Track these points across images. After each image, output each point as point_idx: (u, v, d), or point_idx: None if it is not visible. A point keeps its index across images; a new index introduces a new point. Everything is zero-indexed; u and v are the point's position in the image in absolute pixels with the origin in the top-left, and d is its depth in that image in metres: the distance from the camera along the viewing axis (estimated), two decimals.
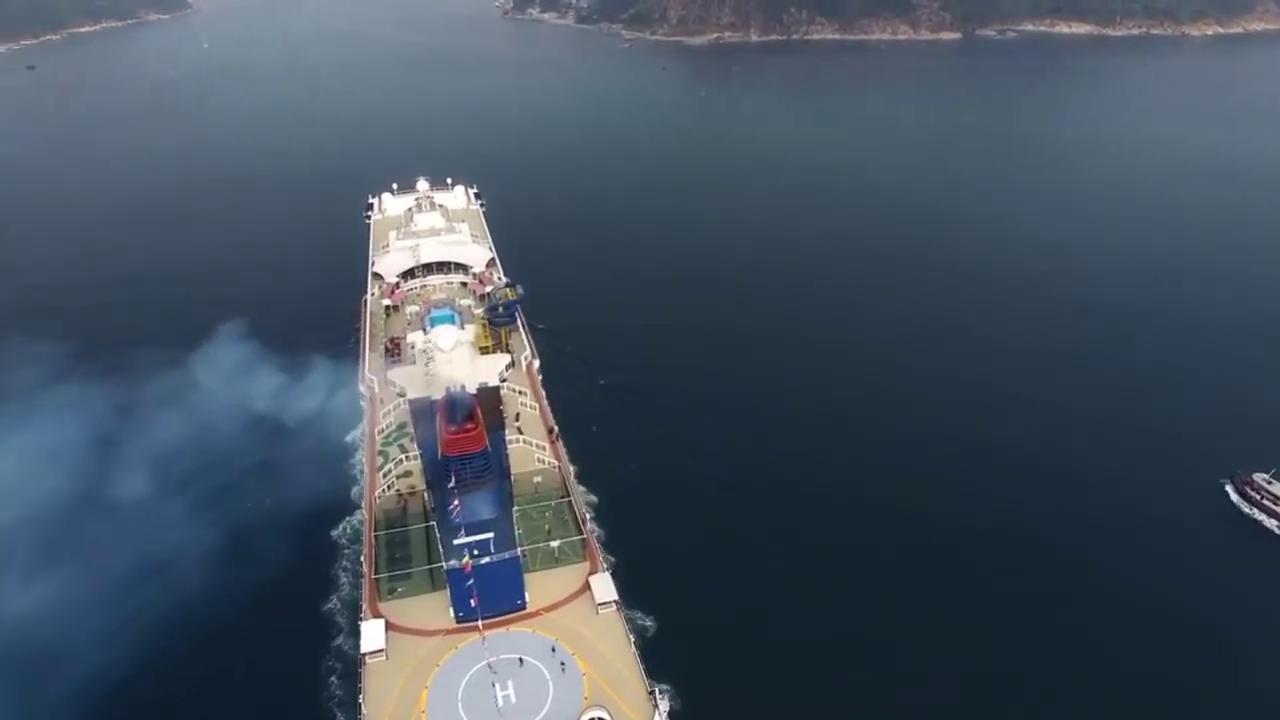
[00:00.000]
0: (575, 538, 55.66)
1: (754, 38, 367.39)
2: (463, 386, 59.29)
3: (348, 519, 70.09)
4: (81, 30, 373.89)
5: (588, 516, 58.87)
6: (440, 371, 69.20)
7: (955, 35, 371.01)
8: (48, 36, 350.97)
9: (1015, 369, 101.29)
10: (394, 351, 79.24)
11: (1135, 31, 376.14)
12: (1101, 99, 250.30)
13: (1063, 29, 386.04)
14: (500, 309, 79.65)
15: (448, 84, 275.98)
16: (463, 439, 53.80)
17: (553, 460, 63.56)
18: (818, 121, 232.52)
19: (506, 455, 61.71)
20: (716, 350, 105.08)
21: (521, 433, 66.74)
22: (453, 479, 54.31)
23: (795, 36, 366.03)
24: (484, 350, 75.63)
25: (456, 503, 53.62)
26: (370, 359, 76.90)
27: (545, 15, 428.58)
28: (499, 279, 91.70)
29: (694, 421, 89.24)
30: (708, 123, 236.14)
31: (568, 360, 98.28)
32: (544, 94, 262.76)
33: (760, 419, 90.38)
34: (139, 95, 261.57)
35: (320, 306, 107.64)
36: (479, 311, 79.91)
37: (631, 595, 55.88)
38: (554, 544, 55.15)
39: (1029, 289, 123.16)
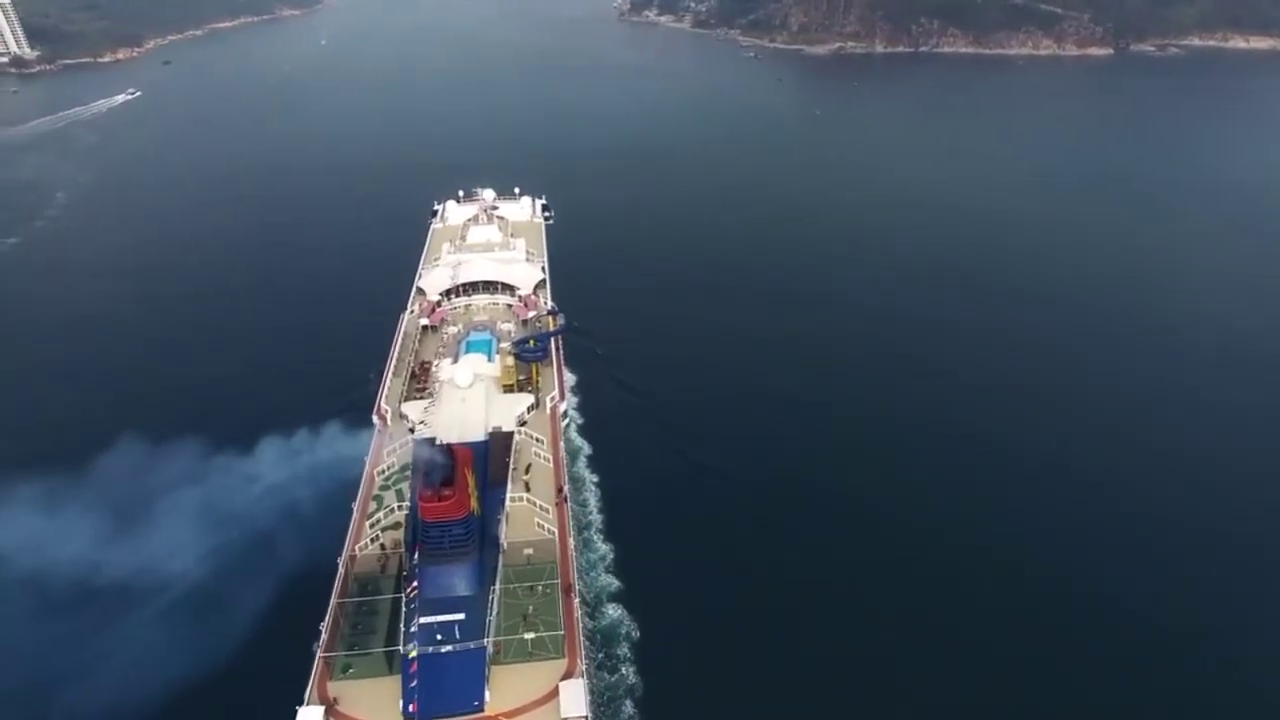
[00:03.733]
0: (556, 633, 48.03)
1: (879, 49, 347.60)
2: (444, 444, 52.81)
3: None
4: (221, 26, 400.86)
5: (578, 602, 51.05)
6: (451, 411, 63.51)
7: (1106, 51, 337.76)
8: (191, 32, 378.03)
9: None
10: (421, 378, 74.19)
11: None
12: None
13: (1238, 43, 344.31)
14: (531, 342, 73.24)
15: (550, 88, 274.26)
16: (439, 506, 47.47)
17: (553, 528, 56.14)
18: (943, 151, 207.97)
19: (502, 520, 55.09)
20: (790, 428, 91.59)
21: (529, 489, 59.71)
22: (415, 555, 48.03)
23: (924, 49, 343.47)
24: (508, 388, 69.17)
25: (415, 583, 47.36)
26: (391, 385, 71.87)
27: (662, 18, 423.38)
28: (544, 303, 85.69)
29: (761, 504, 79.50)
30: (819, 148, 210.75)
31: (619, 392, 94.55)
32: (645, 104, 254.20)
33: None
34: (247, 93, 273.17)
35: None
36: (505, 345, 73.63)
37: None
38: (528, 636, 47.72)
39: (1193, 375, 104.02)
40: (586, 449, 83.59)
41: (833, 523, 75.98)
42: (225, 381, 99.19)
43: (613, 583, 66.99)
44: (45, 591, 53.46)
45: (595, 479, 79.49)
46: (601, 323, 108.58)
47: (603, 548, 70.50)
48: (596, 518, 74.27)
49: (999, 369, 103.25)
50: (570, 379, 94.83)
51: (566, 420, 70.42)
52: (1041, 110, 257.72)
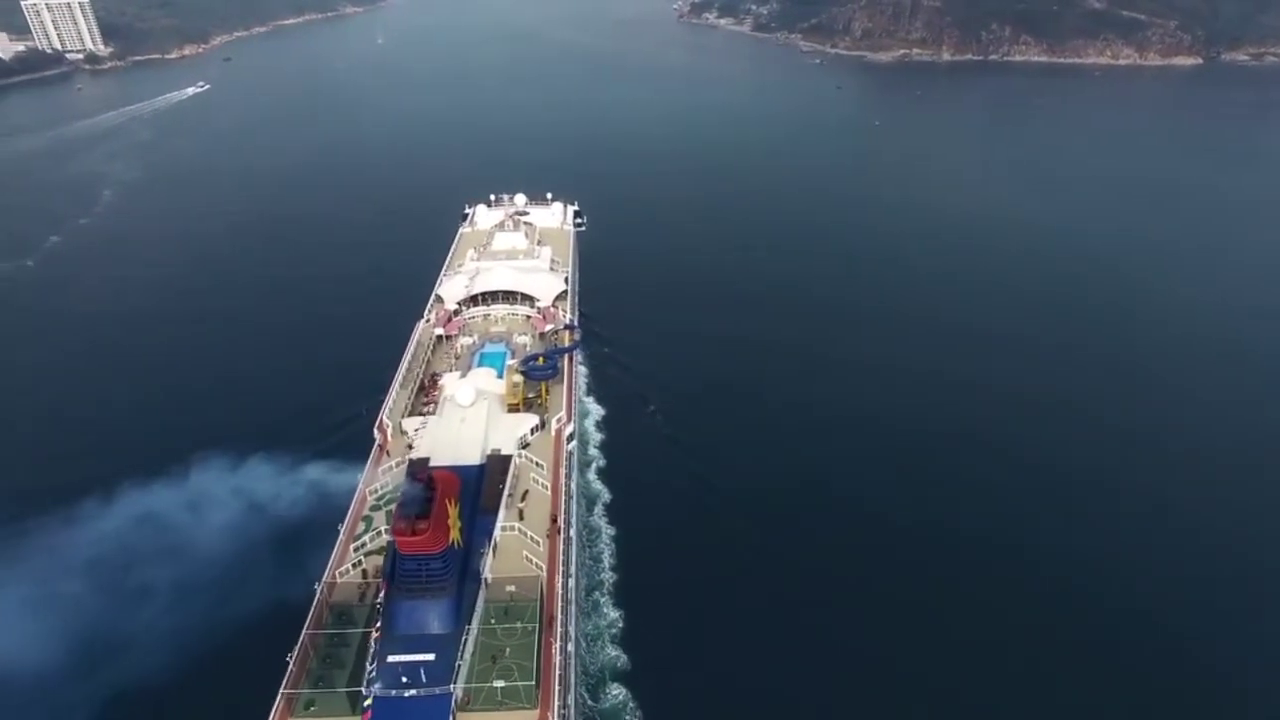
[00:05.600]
0: (529, 682, 44.54)
1: (945, 57, 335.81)
2: (427, 472, 48.84)
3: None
4: (286, 23, 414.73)
5: (557, 649, 47.47)
6: (448, 431, 60.74)
7: (1193, 60, 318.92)
8: (257, 28, 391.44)
9: None
10: (430, 391, 71.70)
11: None
12: None
13: None
14: (541, 359, 69.94)
15: (601, 91, 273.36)
16: (413, 541, 44.56)
17: (542, 563, 52.70)
18: (1009, 164, 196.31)
19: (487, 552, 51.85)
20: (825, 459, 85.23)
21: (522, 518, 56.28)
22: (381, 591, 45.19)
23: (993, 57, 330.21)
24: (513, 407, 66.07)
25: (377, 624, 44.52)
26: (396, 397, 69.45)
27: (722, 21, 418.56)
28: (563, 316, 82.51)
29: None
30: (876, 161, 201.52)
31: (646, 419, 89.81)
32: (696, 110, 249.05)
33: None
34: (298, 91, 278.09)
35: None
36: (512, 362, 70.61)
37: None
38: (499, 684, 44.36)
39: None
40: (605, 494, 77.33)
41: (892, 618, 64.55)
42: (228, 384, 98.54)
43: (620, 657, 60.77)
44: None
45: (612, 531, 72.71)
46: (631, 336, 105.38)
47: (611, 614, 64.26)
48: (608, 576, 67.81)
49: (1062, 392, 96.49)
50: (597, 411, 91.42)
51: (573, 444, 66.71)
52: (1123, 124, 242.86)
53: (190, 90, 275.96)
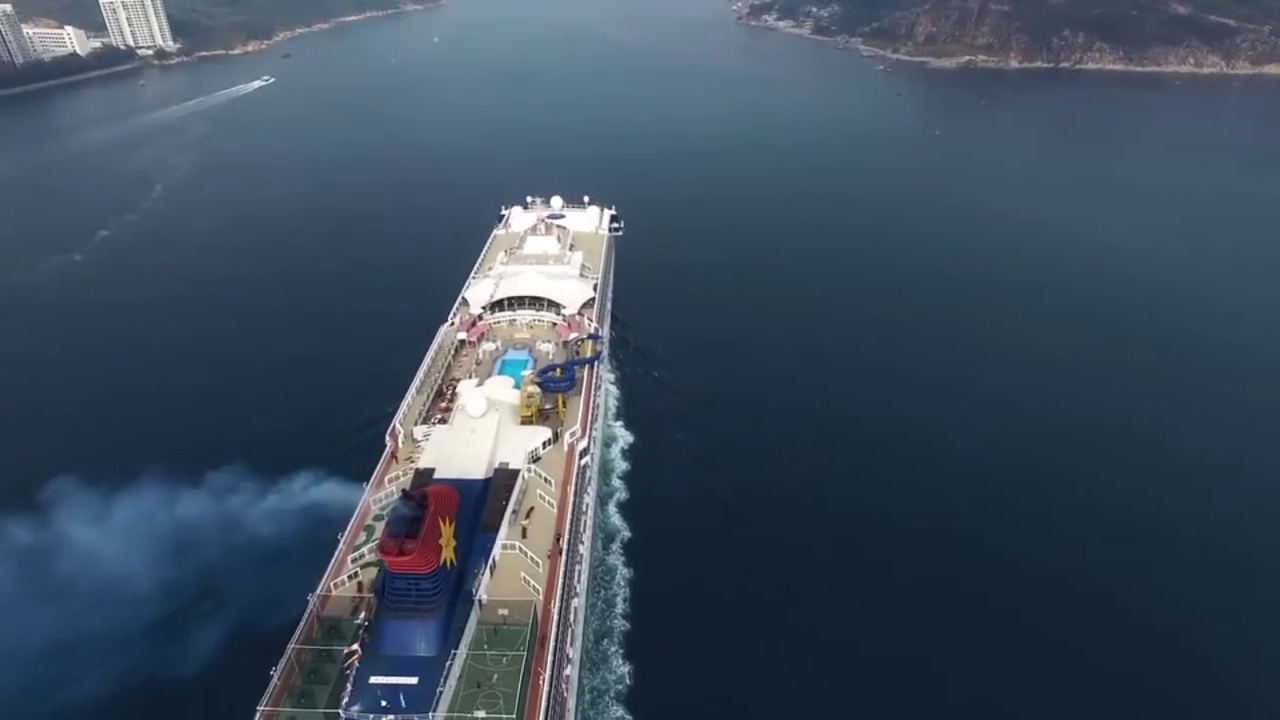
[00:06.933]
0: (509, 716, 42.27)
1: (1013, 64, 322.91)
2: (421, 488, 46.67)
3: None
4: (347, 19, 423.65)
5: (545, 678, 45.12)
6: (456, 442, 59.03)
7: None
8: (319, 25, 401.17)
9: None
10: (447, 397, 70.30)
11: None
12: None
13: None
14: (558, 371, 67.74)
15: (654, 93, 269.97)
16: (400, 561, 42.82)
17: (539, 586, 50.42)
18: (1078, 180, 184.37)
19: (482, 573, 49.78)
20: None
21: (525, 536, 54.08)
22: (362, 613, 43.56)
23: (1065, 65, 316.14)
24: (526, 419, 64.05)
25: (355, 646, 42.91)
26: (411, 402, 68.15)
27: (781, 23, 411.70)
28: (588, 324, 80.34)
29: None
30: (933, 174, 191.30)
31: (676, 436, 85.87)
32: (748, 114, 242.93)
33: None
34: (352, 88, 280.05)
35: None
36: (528, 373, 68.58)
37: None
38: (479, 715, 42.22)
39: None
40: (625, 531, 73.16)
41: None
42: (247, 384, 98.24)
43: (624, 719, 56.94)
44: None
45: (629, 572, 68.14)
46: (669, 348, 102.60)
47: (620, 667, 60.03)
48: (619, 624, 63.51)
49: (1134, 418, 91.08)
50: (625, 437, 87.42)
51: (586, 460, 64.19)
52: (1207, 138, 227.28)
53: (255, 84, 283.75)
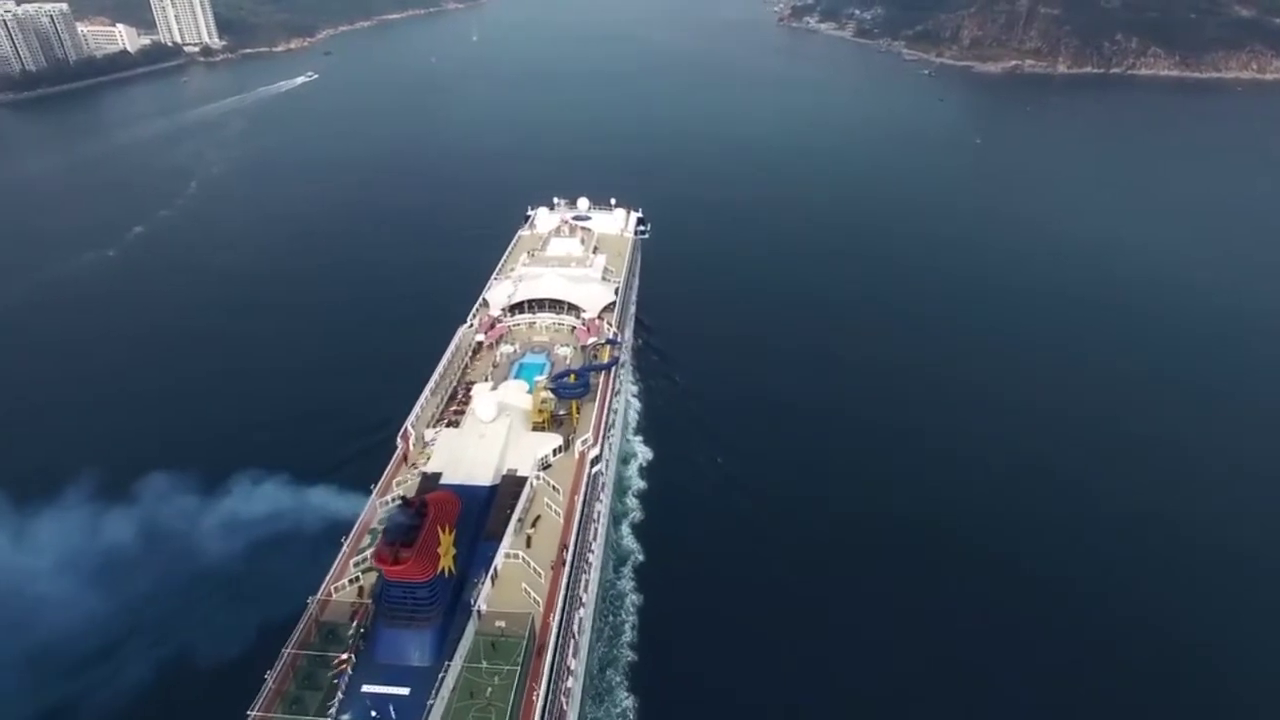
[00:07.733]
0: None
1: (1061, 69, 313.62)
2: (421, 496, 45.70)
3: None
4: (389, 17, 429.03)
5: (539, 694, 43.66)
6: (464, 447, 57.92)
7: None
8: (361, 23, 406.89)
9: None
10: (462, 400, 69.33)
11: None
12: None
13: None
14: (571, 377, 66.28)
15: (691, 95, 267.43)
16: (395, 569, 41.79)
17: (540, 598, 48.98)
18: (1126, 192, 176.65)
19: (483, 582, 48.48)
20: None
21: (529, 546, 52.66)
22: (354, 622, 42.62)
23: (1116, 70, 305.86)
24: (538, 425, 62.75)
25: (347, 654, 41.95)
26: (425, 404, 67.32)
27: (822, 25, 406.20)
28: (607, 329, 78.83)
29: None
30: (972, 183, 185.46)
31: (695, 458, 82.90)
32: (785, 119, 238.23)
33: None
34: (388, 86, 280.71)
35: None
36: (541, 379, 67.25)
37: None
38: None
39: None
40: (638, 555, 70.44)
41: None
42: (268, 381, 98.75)
43: None
44: None
45: (639, 599, 65.55)
46: (694, 355, 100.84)
47: (624, 700, 57.82)
48: (625, 654, 61.18)
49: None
50: (644, 453, 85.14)
51: (598, 468, 62.62)
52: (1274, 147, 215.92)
53: (297, 81, 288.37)
